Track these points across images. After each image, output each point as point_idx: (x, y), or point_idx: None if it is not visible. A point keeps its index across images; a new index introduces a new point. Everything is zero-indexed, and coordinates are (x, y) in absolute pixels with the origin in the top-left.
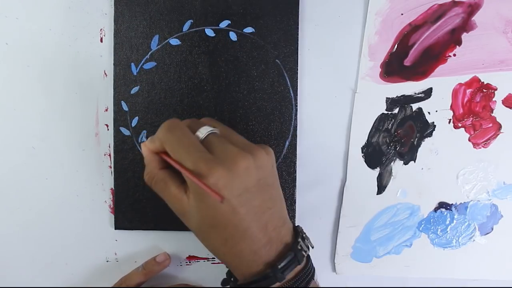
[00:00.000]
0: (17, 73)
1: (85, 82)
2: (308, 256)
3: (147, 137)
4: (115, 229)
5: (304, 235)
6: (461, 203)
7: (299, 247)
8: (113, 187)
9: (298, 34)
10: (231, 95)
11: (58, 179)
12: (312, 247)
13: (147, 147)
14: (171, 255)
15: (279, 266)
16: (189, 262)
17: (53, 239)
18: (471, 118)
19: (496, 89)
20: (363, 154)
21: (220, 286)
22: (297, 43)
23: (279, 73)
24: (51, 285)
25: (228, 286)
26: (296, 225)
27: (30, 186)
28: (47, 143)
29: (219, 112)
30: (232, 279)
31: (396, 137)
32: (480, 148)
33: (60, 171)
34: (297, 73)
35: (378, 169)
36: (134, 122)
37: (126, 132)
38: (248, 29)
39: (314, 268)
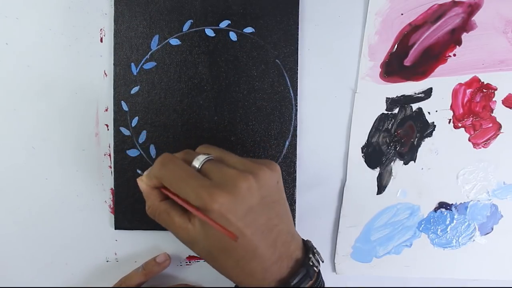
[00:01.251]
0: (17, 73)
1: (85, 82)
2: (319, 271)
3: (147, 138)
4: (115, 229)
5: (314, 250)
6: (461, 203)
7: (311, 263)
8: (113, 187)
9: (298, 34)
10: (231, 95)
11: (58, 179)
12: (323, 262)
13: (144, 182)
14: (171, 255)
15: (292, 283)
16: (189, 262)
17: (53, 239)
18: (471, 118)
19: (496, 89)
20: (363, 154)
21: (221, 286)
22: (297, 43)
23: (279, 73)
24: (51, 285)
25: None
26: (306, 239)
27: (29, 186)
28: (47, 143)
29: (219, 112)
30: None
31: (396, 137)
32: (480, 148)
33: (60, 171)
34: (297, 73)
35: (378, 169)
36: (134, 122)
37: (126, 132)
38: (248, 29)
39: (323, 281)
